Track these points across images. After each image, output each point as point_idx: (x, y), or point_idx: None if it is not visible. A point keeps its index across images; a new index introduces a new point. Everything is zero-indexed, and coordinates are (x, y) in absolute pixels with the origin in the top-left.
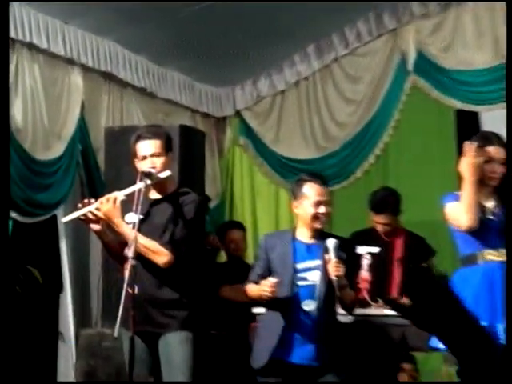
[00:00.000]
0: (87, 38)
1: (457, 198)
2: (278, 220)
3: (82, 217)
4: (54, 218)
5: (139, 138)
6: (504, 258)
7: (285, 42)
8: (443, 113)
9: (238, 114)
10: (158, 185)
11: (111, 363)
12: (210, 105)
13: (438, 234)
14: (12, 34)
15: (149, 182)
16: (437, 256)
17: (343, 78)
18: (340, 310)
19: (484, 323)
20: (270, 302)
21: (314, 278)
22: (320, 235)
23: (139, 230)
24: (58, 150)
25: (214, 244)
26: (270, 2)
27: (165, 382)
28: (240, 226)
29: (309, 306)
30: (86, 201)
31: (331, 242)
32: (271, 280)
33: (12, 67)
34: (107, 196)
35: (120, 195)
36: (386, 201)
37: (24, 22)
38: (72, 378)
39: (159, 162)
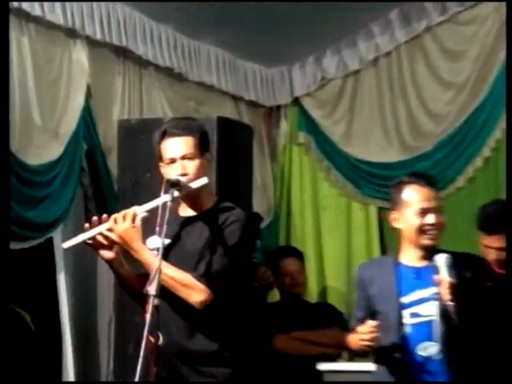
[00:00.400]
0: (94, 3)
1: None
2: (351, 244)
3: (90, 241)
4: (50, 243)
5: (165, 134)
6: None
7: (359, 7)
8: None
9: (296, 102)
10: (191, 197)
11: None
12: (258, 90)
13: None
14: None
15: (178, 193)
16: None
17: (438, 53)
18: None
19: None
20: (375, 353)
21: (430, 311)
22: (432, 254)
23: (165, 258)
24: (54, 151)
25: (264, 278)
26: None
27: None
28: (298, 254)
29: (427, 350)
30: (94, 219)
31: (441, 258)
32: (370, 323)
33: None
34: (123, 212)
35: (140, 211)
36: (501, 218)
37: None
38: None
39: (192, 166)
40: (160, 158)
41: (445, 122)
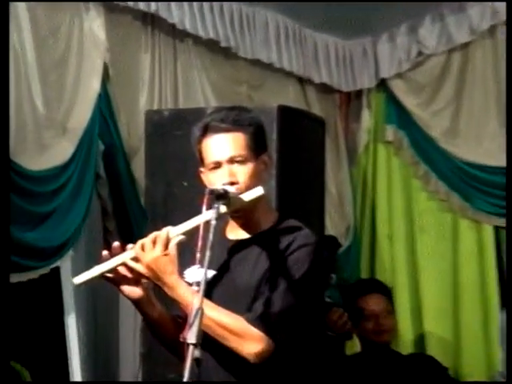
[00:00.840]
0: None
1: None
2: (458, 276)
3: (109, 274)
4: (56, 275)
5: (207, 130)
6: None
7: None
8: None
9: (383, 85)
10: (242, 214)
11: None
12: (332, 70)
13: None
14: None
15: (225, 208)
16: None
17: None
18: None
19: None
20: None
21: None
22: None
23: (209, 296)
24: (61, 152)
25: (340, 323)
26: None
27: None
28: (386, 290)
29: None
30: (115, 245)
31: None
32: None
33: None
34: (152, 235)
35: (175, 234)
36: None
37: None
38: None
39: (243, 172)
40: (201, 162)
41: None
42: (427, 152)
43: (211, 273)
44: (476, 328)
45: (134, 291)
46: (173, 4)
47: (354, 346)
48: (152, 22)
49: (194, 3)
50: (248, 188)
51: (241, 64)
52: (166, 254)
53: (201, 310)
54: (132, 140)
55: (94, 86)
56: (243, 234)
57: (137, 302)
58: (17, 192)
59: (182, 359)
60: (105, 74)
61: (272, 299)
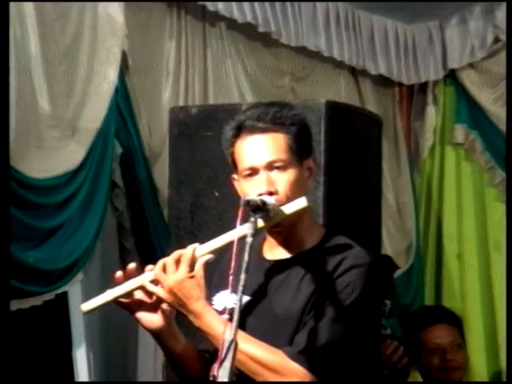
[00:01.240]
0: None
1: None
2: None
3: (124, 299)
4: (64, 301)
5: (242, 130)
6: None
7: None
8: None
9: (452, 77)
10: (283, 230)
11: None
12: (391, 59)
13: None
14: None
15: (262, 223)
16: None
17: None
18: None
19: None
20: None
21: None
22: None
23: (242, 326)
24: (71, 157)
25: (395, 359)
26: None
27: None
28: (454, 319)
29: None
30: (131, 266)
31: None
32: None
33: None
34: (176, 254)
35: (203, 252)
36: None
37: None
38: None
39: (284, 180)
40: (234, 168)
41: None
42: (504, 156)
43: (245, 299)
44: None
45: (153, 320)
46: None
47: None
48: (178, 3)
49: None
50: (289, 199)
51: (283, 52)
52: (191, 277)
53: (234, 342)
54: (154, 142)
55: (110, 78)
56: (283, 254)
57: (156, 334)
58: (17, 204)
59: None
60: (123, 65)
61: (317, 330)
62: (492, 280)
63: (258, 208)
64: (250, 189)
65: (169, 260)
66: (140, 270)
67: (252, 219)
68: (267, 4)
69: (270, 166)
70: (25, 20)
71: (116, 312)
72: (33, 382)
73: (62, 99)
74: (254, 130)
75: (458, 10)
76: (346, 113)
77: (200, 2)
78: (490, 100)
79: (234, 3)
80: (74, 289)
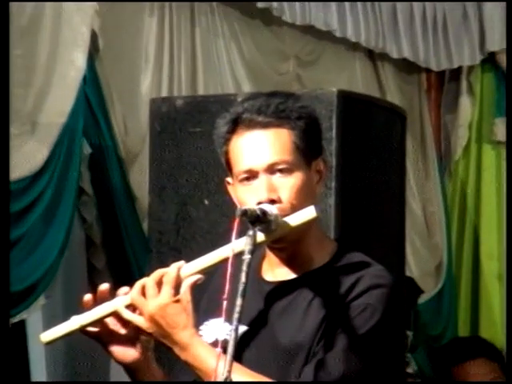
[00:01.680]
0: None
1: None
2: None
3: (94, 328)
4: (21, 330)
5: (238, 124)
6: None
7: None
8: None
9: (490, 62)
10: (288, 246)
11: None
12: (417, 40)
13: None
14: None
15: (263, 236)
16: None
17: None
18: None
19: None
20: None
21: None
22: None
23: (238, 358)
24: (30, 159)
25: None
26: None
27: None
28: (493, 353)
29: None
30: (103, 287)
31: None
32: None
33: None
34: (157, 274)
35: (189, 271)
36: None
37: None
38: None
39: (288, 185)
40: (229, 170)
41: None
42: None
43: (241, 329)
44: None
45: (128, 353)
46: None
47: None
48: None
49: None
50: (295, 208)
51: (286, 32)
52: (176, 301)
53: (229, 379)
54: (131, 140)
55: (77, 63)
56: (287, 274)
57: (131, 369)
58: None
59: None
60: (92, 48)
61: (327, 362)
62: None
63: (257, 219)
64: (247, 196)
65: (149, 281)
66: (114, 293)
67: (250, 232)
68: None
69: (272, 169)
70: None
71: (84, 341)
72: None
73: (20, 89)
74: (252, 125)
75: None
76: (363, 105)
77: None
78: None
79: None
80: (33, 315)
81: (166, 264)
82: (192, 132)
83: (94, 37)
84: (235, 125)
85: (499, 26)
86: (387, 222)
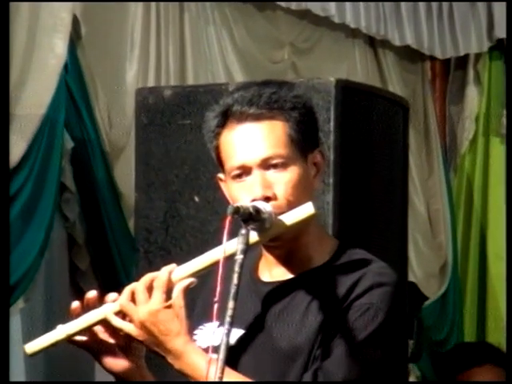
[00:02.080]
0: None
1: None
2: None
3: (82, 337)
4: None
5: (229, 117)
6: None
7: None
8: None
9: (499, 49)
10: (284, 244)
11: None
12: (421, 27)
13: None
14: None
15: (256, 236)
16: None
17: None
18: None
19: None
20: None
21: None
22: None
23: (235, 363)
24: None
25: None
26: None
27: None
28: (501, 359)
29: None
30: (91, 294)
31: None
32: None
33: None
34: (147, 278)
35: (181, 274)
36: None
37: None
38: None
39: (283, 181)
40: (220, 165)
41: None
42: None
43: (237, 333)
44: None
45: (119, 363)
46: None
47: None
48: None
49: None
50: (291, 205)
51: (281, 18)
52: (168, 307)
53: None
54: (115, 134)
55: (58, 51)
56: (284, 274)
57: (121, 377)
58: None
59: None
60: (74, 34)
61: (328, 368)
62: None
63: (250, 217)
64: (240, 193)
65: (138, 286)
66: (102, 299)
67: (243, 231)
68: None
69: (266, 164)
70: None
71: (67, 351)
72: None
73: None
74: (243, 118)
75: None
76: (363, 95)
77: None
78: None
79: None
80: (12, 320)
81: (154, 264)
82: (181, 124)
83: (75, 22)
84: (225, 118)
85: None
86: (388, 219)
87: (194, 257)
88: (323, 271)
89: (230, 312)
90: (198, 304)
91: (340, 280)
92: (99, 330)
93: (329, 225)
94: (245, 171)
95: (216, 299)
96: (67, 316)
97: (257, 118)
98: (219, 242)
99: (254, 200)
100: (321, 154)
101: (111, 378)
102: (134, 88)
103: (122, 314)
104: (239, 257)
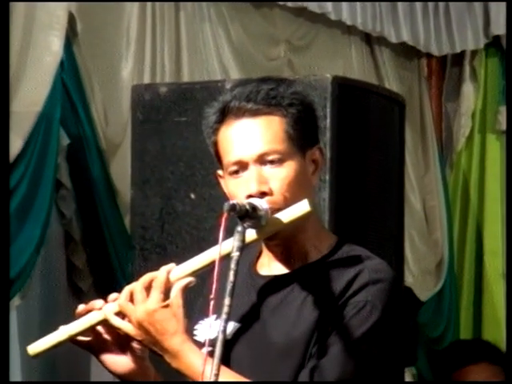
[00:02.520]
0: None
1: None
2: None
3: (84, 337)
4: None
5: (226, 113)
6: None
7: None
8: None
9: (495, 46)
10: (282, 241)
11: None
12: (417, 23)
13: None
14: None
15: (254, 233)
16: None
17: None
18: None
19: None
20: None
21: None
22: None
23: (229, 355)
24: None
25: None
26: None
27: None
28: (496, 357)
29: None
30: (97, 305)
31: None
32: None
33: None
34: (146, 278)
35: (178, 274)
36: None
37: None
38: None
39: (280, 177)
40: (219, 162)
41: None
42: None
43: (233, 326)
44: None
45: (121, 363)
46: None
47: None
48: None
49: None
50: (288, 201)
51: (277, 15)
52: (166, 306)
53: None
54: (111, 130)
55: (54, 48)
56: (282, 268)
57: (125, 379)
58: None
59: None
60: (70, 31)
61: (323, 366)
62: None
63: (247, 214)
64: (237, 189)
65: (137, 286)
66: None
67: (239, 229)
68: None
69: (262, 160)
70: None
71: (67, 351)
72: None
73: None
74: (241, 114)
75: None
76: (359, 92)
77: None
78: None
79: None
80: (11, 324)
81: (149, 261)
82: (177, 121)
83: (71, 20)
84: (224, 114)
85: (505, 7)
86: (385, 216)
87: (189, 254)
88: (319, 266)
89: (226, 309)
90: (198, 301)
91: (336, 276)
92: (103, 331)
93: (325, 221)
94: (241, 167)
95: (212, 296)
96: (66, 314)
97: (254, 113)
98: (215, 239)
99: (250, 195)
100: (319, 150)
101: (106, 372)
102: (129, 85)
103: (122, 314)
104: (235, 254)
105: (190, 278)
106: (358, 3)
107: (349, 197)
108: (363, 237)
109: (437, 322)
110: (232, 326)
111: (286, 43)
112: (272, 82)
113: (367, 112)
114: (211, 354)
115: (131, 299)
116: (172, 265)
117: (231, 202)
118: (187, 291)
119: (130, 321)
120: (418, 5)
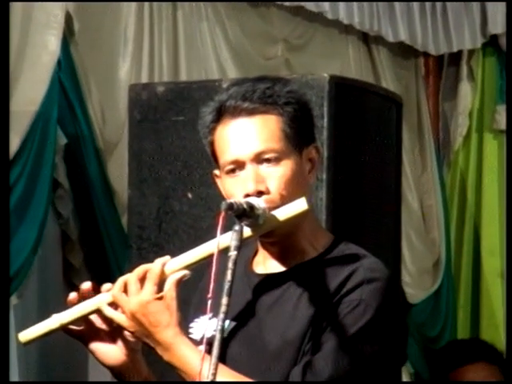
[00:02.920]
0: None
1: None
2: None
3: (77, 327)
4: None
5: (223, 112)
6: None
7: None
8: None
9: (493, 46)
10: (279, 240)
11: None
12: (415, 22)
13: None
14: None
15: (250, 231)
16: None
17: None
18: None
19: None
20: None
21: None
22: None
23: (224, 352)
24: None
25: None
26: None
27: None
28: (494, 357)
29: None
30: (85, 286)
31: None
32: None
33: None
34: (140, 269)
35: (174, 268)
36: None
37: None
38: None
39: (277, 175)
40: (215, 162)
41: None
42: None
43: (229, 324)
44: None
45: (112, 354)
46: None
47: None
48: None
49: None
50: (285, 200)
51: (275, 14)
52: (159, 298)
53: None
54: (109, 130)
55: (51, 47)
56: (277, 267)
57: (116, 371)
58: None
59: None
60: (67, 30)
61: (316, 363)
62: None
63: (244, 213)
64: (234, 188)
65: (131, 277)
66: (98, 290)
67: (236, 228)
68: None
69: (259, 159)
70: None
71: (62, 342)
72: None
73: None
74: (237, 113)
75: None
76: (356, 91)
77: None
78: None
79: None
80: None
81: (147, 261)
82: (174, 121)
83: (68, 19)
84: (220, 113)
85: (502, 7)
86: (382, 216)
87: None
88: (315, 264)
89: (223, 308)
90: (195, 298)
91: (331, 274)
92: (96, 321)
93: (322, 220)
94: (238, 166)
95: (209, 295)
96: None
97: (250, 112)
98: (212, 239)
99: (247, 195)
100: (316, 149)
101: (105, 370)
102: (127, 84)
103: (115, 305)
104: (233, 253)
105: (185, 272)
106: (355, 2)
107: (346, 196)
108: (360, 235)
109: (434, 322)
110: (228, 324)
111: (283, 42)
112: (268, 81)
113: (364, 111)
114: (208, 352)
115: (125, 290)
116: (167, 257)
117: (229, 200)
118: (182, 287)
119: (123, 312)
120: (416, 4)
